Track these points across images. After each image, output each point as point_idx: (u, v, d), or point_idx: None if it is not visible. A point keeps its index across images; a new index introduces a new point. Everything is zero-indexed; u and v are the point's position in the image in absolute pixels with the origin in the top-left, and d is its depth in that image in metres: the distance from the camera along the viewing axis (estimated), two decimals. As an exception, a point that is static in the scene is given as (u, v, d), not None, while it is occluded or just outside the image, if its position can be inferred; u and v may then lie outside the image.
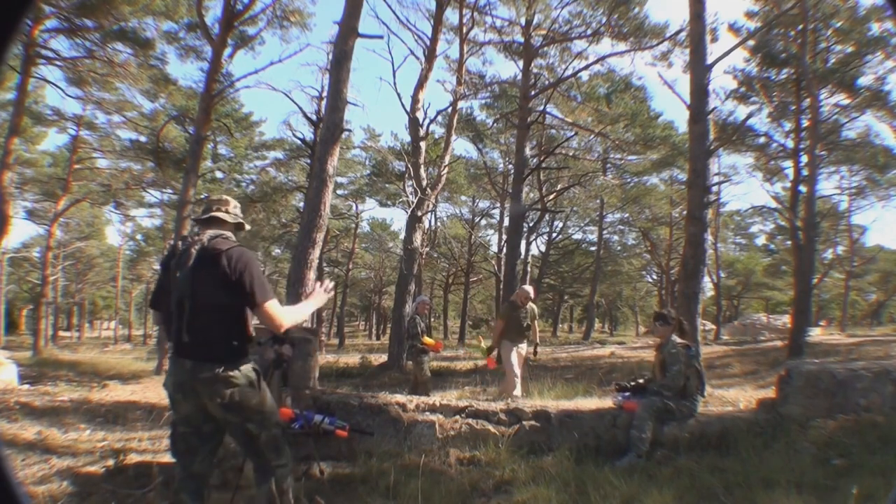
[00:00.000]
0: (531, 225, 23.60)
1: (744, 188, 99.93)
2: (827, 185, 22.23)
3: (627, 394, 4.84)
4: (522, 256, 23.26)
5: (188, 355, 2.65)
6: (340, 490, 3.82)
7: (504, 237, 24.96)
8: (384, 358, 15.41)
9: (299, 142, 19.74)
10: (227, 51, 15.03)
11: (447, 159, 16.67)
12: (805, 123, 15.95)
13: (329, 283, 3.04)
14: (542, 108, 17.49)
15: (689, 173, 8.77)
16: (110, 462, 4.09)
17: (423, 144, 15.30)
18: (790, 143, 16.98)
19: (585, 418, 4.71)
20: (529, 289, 7.87)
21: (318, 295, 2.99)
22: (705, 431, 4.52)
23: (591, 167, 22.75)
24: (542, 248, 31.88)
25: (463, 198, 32.58)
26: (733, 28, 17.20)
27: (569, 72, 17.06)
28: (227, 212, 2.89)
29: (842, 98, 17.01)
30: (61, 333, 43.35)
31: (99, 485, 3.79)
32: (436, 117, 17.05)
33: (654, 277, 37.76)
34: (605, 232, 31.37)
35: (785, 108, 17.52)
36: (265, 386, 2.82)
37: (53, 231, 25.06)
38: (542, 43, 17.10)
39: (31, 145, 23.65)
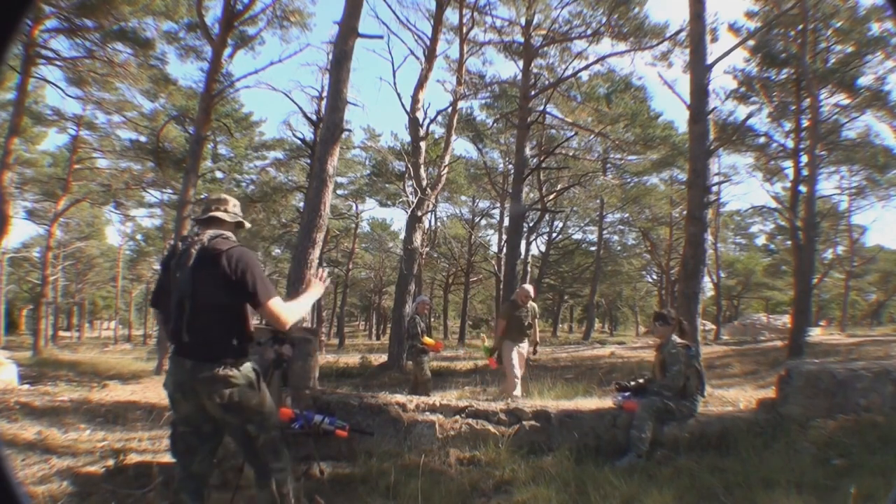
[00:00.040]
0: (531, 225, 23.60)
1: (744, 188, 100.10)
2: (827, 185, 22.29)
3: (627, 394, 4.84)
4: (522, 256, 23.26)
5: (188, 355, 2.65)
6: (340, 490, 3.82)
7: (504, 237, 24.97)
8: (384, 358, 15.41)
9: (299, 142, 19.75)
10: (227, 51, 15.04)
11: (447, 159, 16.67)
12: (805, 123, 15.95)
13: (323, 272, 3.03)
14: (542, 108, 17.49)
15: (689, 173, 8.77)
16: (110, 462, 4.09)
17: (423, 144, 15.30)
18: (790, 143, 16.99)
19: (585, 418, 4.71)
20: (529, 287, 7.87)
21: (316, 286, 2.99)
22: (705, 431, 4.52)
23: (591, 167, 22.75)
24: (542, 248, 31.89)
25: (463, 198, 32.59)
26: (733, 28, 17.22)
27: (569, 72, 17.07)
28: (226, 211, 2.89)
29: (842, 98, 17.03)
30: (61, 333, 43.36)
31: (99, 485, 3.79)
32: (436, 117, 17.09)
33: (654, 277, 37.77)
34: (605, 232, 31.38)
35: (785, 108, 17.52)
36: (265, 387, 2.82)
37: (53, 231, 25.07)
38: (542, 43, 17.10)
39: (31, 145, 23.66)
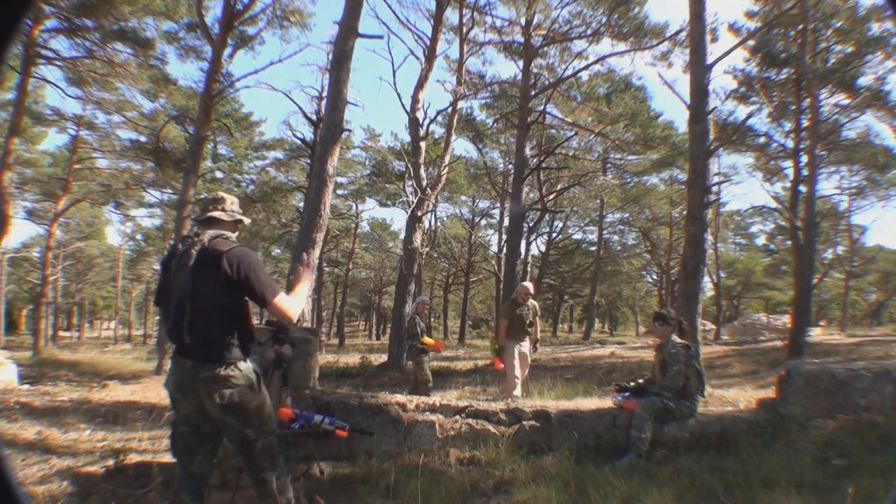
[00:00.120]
0: (531, 225, 23.62)
1: (744, 188, 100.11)
2: (827, 185, 22.29)
3: (627, 394, 4.84)
4: (522, 256, 23.26)
5: (189, 355, 2.65)
6: (340, 490, 3.82)
7: (504, 237, 24.96)
8: (384, 358, 15.41)
9: (299, 142, 19.75)
10: (227, 51, 15.03)
11: (447, 159, 16.66)
12: (805, 123, 15.95)
13: (306, 258, 3.03)
14: (542, 108, 17.49)
15: (689, 173, 8.78)
16: (110, 462, 4.09)
17: (423, 144, 15.30)
18: (790, 143, 16.99)
19: (585, 418, 4.71)
20: (529, 285, 7.86)
21: (305, 274, 2.98)
22: (705, 431, 4.52)
23: (591, 167, 22.75)
24: (542, 248, 31.91)
25: (463, 198, 32.59)
26: (733, 28, 17.21)
27: (569, 72, 17.07)
28: (223, 210, 2.89)
29: (842, 98, 17.03)
30: (61, 333, 43.36)
31: (99, 485, 3.79)
32: (436, 117, 17.09)
33: (654, 277, 37.78)
34: (605, 232, 31.39)
35: (785, 108, 17.52)
36: (265, 390, 2.82)
37: (53, 231, 25.06)
38: (542, 43, 17.10)
39: (31, 145, 23.66)
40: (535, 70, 17.46)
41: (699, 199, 8.46)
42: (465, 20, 15.71)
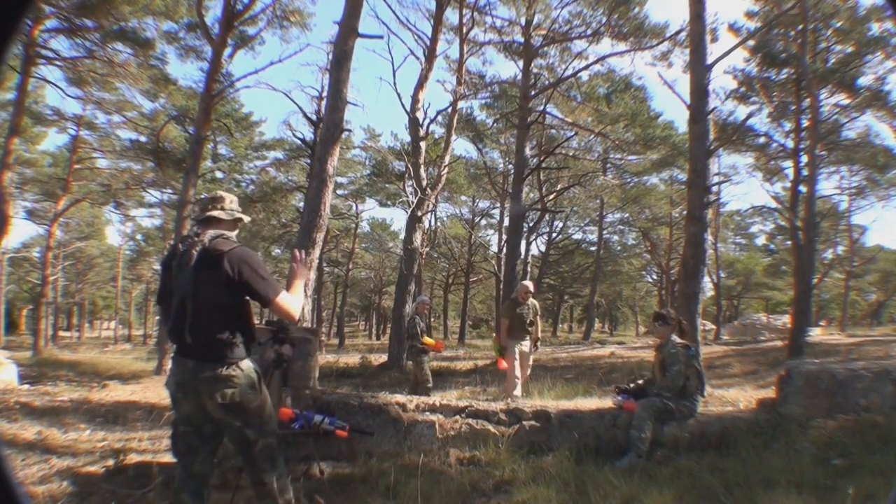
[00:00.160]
0: (531, 225, 23.60)
1: (744, 188, 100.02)
2: (827, 185, 22.29)
3: (626, 394, 4.84)
4: (522, 256, 23.26)
5: (190, 355, 2.66)
6: (340, 490, 3.82)
7: (504, 237, 24.96)
8: (384, 358, 15.41)
9: (299, 142, 19.76)
10: (227, 51, 15.03)
11: (447, 159, 16.67)
12: (805, 123, 15.95)
13: (299, 254, 3.03)
14: (542, 108, 17.48)
15: (689, 173, 8.78)
16: (110, 462, 4.09)
17: (423, 144, 15.30)
18: (790, 143, 16.99)
19: (585, 418, 4.71)
20: (529, 283, 7.87)
21: (300, 270, 2.99)
22: (705, 431, 4.53)
23: (591, 167, 22.75)
24: (542, 248, 31.91)
25: (463, 198, 32.59)
26: (733, 28, 17.21)
27: (569, 72, 17.06)
28: (222, 209, 2.88)
29: (842, 98, 17.03)
30: (61, 333, 43.36)
31: (99, 485, 3.79)
32: (436, 117, 17.08)
33: (654, 277, 37.78)
34: (605, 232, 31.39)
35: (785, 108, 17.52)
36: (266, 391, 2.82)
37: (53, 231, 25.06)
38: (542, 43, 17.09)
39: (31, 145, 23.66)
40: (535, 70, 17.46)
41: (699, 199, 8.47)
42: (465, 20, 15.71)
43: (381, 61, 79.47)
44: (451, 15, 16.21)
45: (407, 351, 8.99)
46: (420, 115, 14.94)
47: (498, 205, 29.37)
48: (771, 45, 16.64)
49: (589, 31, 16.32)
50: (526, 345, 7.53)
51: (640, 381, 5.00)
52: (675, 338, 4.87)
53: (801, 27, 14.45)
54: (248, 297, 2.75)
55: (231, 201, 2.94)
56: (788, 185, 17.51)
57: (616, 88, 20.01)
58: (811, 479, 3.54)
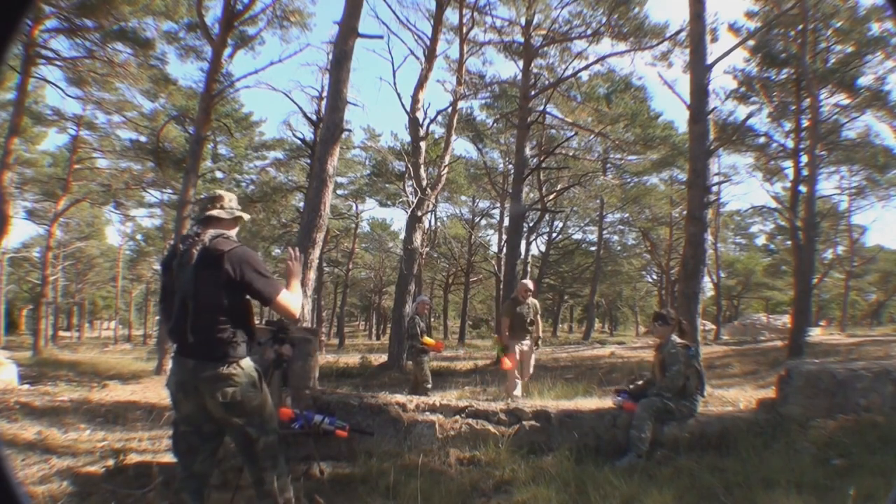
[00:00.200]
0: (531, 225, 23.60)
1: (744, 188, 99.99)
2: (827, 185, 22.28)
3: (626, 395, 4.84)
4: (522, 256, 23.26)
5: (191, 354, 2.66)
6: (340, 490, 3.82)
7: (504, 237, 24.96)
8: (384, 358, 15.41)
9: (299, 142, 19.76)
10: (227, 51, 15.03)
11: (447, 159, 16.66)
12: (805, 123, 15.95)
13: (293, 252, 3.03)
14: (542, 108, 17.49)
15: (689, 173, 8.78)
16: (110, 462, 4.09)
17: (423, 144, 15.30)
18: (790, 143, 16.99)
19: (585, 418, 4.71)
20: (529, 282, 7.88)
21: (294, 269, 2.99)
22: (705, 431, 4.53)
23: (591, 167, 22.75)
24: (542, 248, 31.90)
25: (463, 198, 32.59)
26: (733, 28, 17.21)
27: (569, 72, 17.07)
28: (222, 208, 2.88)
29: (842, 98, 17.03)
30: (61, 333, 43.36)
31: (99, 485, 3.79)
32: (436, 117, 17.07)
33: (654, 277, 37.78)
34: (605, 232, 31.39)
35: (785, 108, 17.52)
36: (266, 389, 2.83)
37: (53, 231, 25.06)
38: (542, 43, 17.10)
39: (31, 145, 23.65)
40: (535, 70, 17.46)
41: (699, 199, 8.47)
42: (465, 20, 15.71)
43: (381, 61, 79.56)
44: (451, 15, 16.24)
45: (407, 351, 8.99)
46: (420, 115, 14.94)
47: (498, 205, 29.37)
48: (771, 45, 16.64)
49: (589, 31, 16.33)
50: (526, 344, 7.53)
51: (640, 382, 5.00)
52: (675, 338, 4.87)
53: (801, 27, 14.45)
54: (248, 297, 2.75)
55: (230, 200, 2.94)
56: (788, 185, 17.51)
57: (616, 88, 20.01)
58: (811, 479, 3.54)
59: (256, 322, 2.87)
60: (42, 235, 30.41)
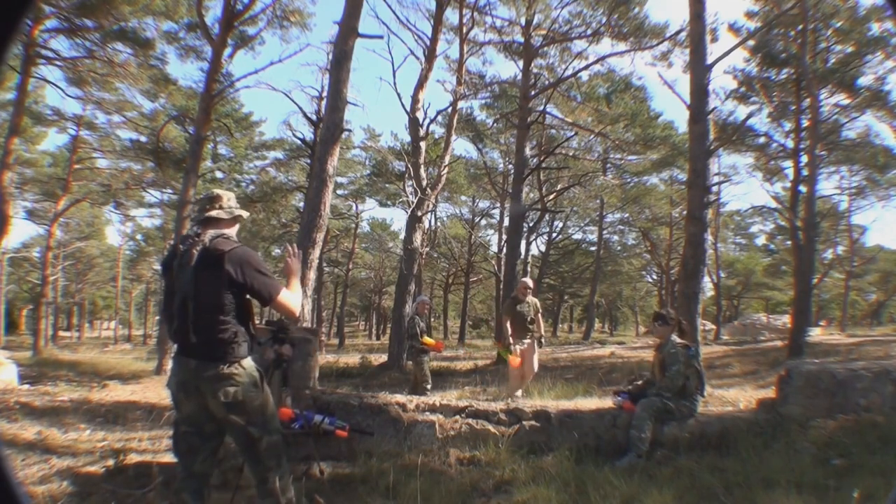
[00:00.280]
0: (531, 225, 23.61)
1: (744, 188, 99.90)
2: (827, 185, 22.30)
3: (626, 395, 4.84)
4: (522, 256, 23.26)
5: (192, 354, 2.66)
6: (340, 490, 3.82)
7: (504, 237, 24.96)
8: (384, 358, 15.41)
9: (299, 142, 19.76)
10: (227, 51, 15.02)
11: (447, 159, 16.66)
12: (805, 123, 15.95)
13: (291, 249, 3.04)
14: (542, 108, 17.49)
15: (689, 173, 8.79)
16: (110, 462, 4.09)
17: (423, 144, 15.30)
18: (790, 143, 16.99)
19: (585, 418, 4.72)
20: (529, 280, 7.89)
21: (293, 267, 2.99)
22: (705, 431, 4.53)
23: (591, 167, 22.75)
24: (542, 248, 31.91)
25: (463, 198, 32.59)
26: (733, 28, 17.22)
27: (569, 72, 17.07)
28: (220, 208, 2.88)
29: (842, 98, 17.03)
30: (61, 333, 43.36)
31: (99, 485, 3.79)
32: (436, 117, 17.07)
33: (654, 277, 37.78)
34: (605, 232, 31.39)
35: (785, 108, 17.52)
36: (268, 389, 2.83)
37: (53, 231, 25.06)
38: (542, 43, 17.10)
39: (31, 145, 23.66)
40: (535, 70, 17.47)
41: (699, 199, 8.47)
42: (465, 20, 15.71)
43: (381, 61, 79.55)
44: (451, 15, 16.24)
45: (407, 351, 8.99)
46: (420, 115, 14.93)
47: (498, 205, 29.37)
48: (771, 45, 16.64)
49: (589, 31, 16.33)
50: (527, 343, 7.51)
51: (640, 382, 5.00)
52: (675, 338, 4.87)
53: (801, 27, 14.45)
54: (248, 297, 2.75)
55: (229, 199, 2.93)
56: (788, 185, 17.51)
57: (616, 88, 20.02)
58: (811, 479, 3.54)
59: (257, 322, 2.87)
60: (42, 235, 30.43)
